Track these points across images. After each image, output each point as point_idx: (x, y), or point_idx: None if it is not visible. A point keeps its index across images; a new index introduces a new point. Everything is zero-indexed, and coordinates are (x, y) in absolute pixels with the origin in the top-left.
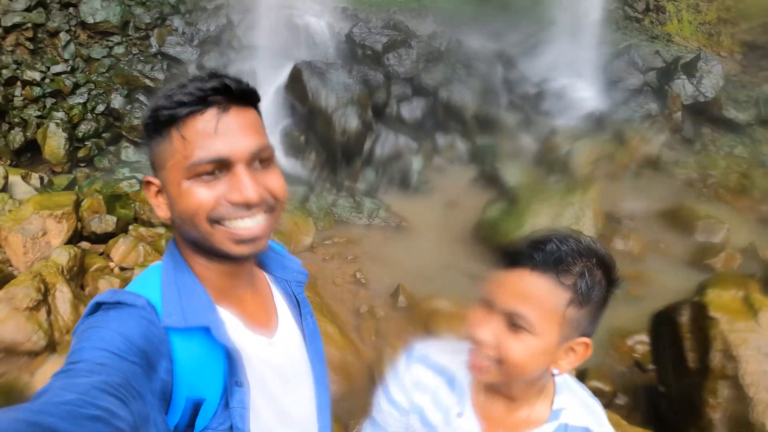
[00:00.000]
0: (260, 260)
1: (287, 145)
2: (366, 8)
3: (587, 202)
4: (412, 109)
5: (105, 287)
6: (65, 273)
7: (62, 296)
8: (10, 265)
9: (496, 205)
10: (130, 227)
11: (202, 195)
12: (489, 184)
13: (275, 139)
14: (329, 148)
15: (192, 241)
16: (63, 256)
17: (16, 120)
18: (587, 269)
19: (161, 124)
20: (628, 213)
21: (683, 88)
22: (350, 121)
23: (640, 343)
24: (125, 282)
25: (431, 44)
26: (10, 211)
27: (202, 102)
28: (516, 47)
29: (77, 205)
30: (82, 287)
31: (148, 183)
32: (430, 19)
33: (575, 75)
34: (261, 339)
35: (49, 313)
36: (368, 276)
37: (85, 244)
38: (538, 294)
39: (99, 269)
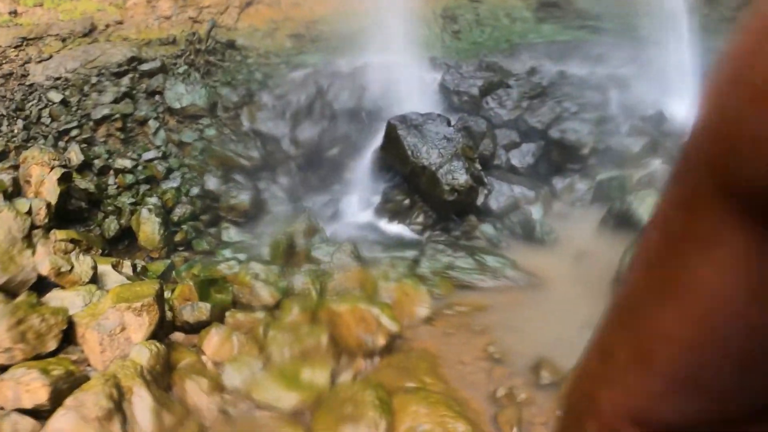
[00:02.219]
0: None
1: (390, 210)
2: (454, 56)
3: None
4: (522, 156)
5: (193, 389)
6: (145, 374)
7: (140, 402)
8: (89, 365)
9: None
10: (227, 314)
11: None
12: (621, 223)
13: (376, 205)
14: (438, 208)
15: None
16: (143, 354)
17: (110, 208)
18: None
19: None
20: None
21: None
22: (458, 176)
23: None
24: (214, 382)
25: (531, 81)
26: (86, 305)
27: None
28: (625, 68)
29: (160, 294)
30: (170, 387)
31: None
32: (525, 56)
33: (693, 88)
34: None
35: (124, 422)
36: (503, 349)
37: (178, 336)
38: None
39: (188, 366)
